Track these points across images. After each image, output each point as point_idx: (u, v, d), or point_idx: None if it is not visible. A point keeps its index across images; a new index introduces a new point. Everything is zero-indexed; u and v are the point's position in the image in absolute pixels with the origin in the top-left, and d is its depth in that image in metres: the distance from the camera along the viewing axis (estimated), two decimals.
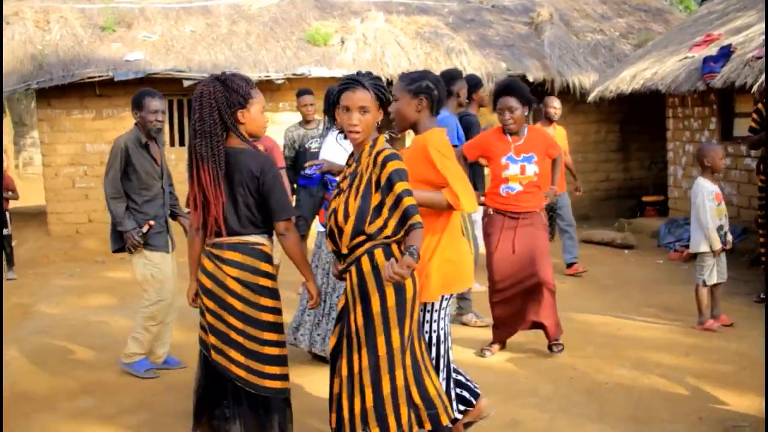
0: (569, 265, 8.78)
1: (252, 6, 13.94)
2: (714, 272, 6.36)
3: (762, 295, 7.16)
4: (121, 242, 5.56)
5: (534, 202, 5.75)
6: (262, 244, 3.76)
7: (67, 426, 4.84)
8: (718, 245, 6.26)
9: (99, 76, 11.41)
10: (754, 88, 8.55)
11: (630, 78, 11.49)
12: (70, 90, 11.63)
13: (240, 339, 3.70)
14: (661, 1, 17.17)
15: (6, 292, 8.75)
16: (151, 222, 5.57)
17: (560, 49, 13.56)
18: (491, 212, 5.81)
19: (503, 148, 5.70)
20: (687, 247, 8.95)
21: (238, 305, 3.69)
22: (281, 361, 3.78)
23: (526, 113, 5.66)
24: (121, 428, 4.76)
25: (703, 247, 6.30)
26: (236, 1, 14.07)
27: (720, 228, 6.28)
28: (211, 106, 3.63)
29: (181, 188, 5.51)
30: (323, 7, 14.28)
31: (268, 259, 3.77)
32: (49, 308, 8.09)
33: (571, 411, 4.78)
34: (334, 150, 4.94)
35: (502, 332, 5.95)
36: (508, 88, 5.65)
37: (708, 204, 6.23)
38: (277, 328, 3.77)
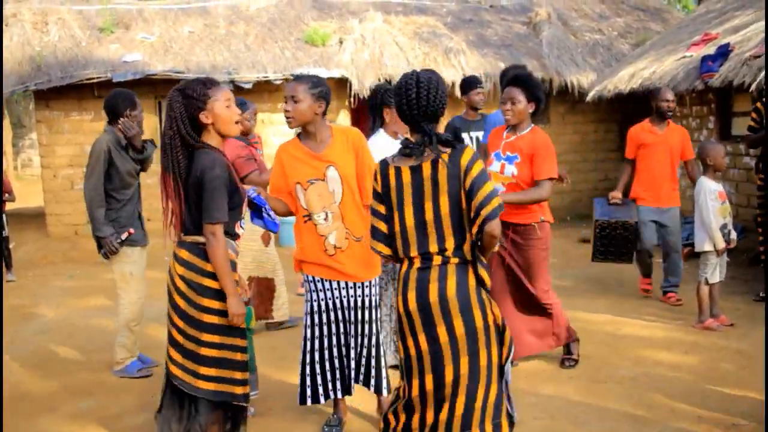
0: (665, 293, 7.42)
1: (250, 7, 13.96)
2: (716, 271, 6.37)
3: (761, 294, 7.16)
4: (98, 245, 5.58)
5: (524, 211, 5.21)
6: None
7: (68, 428, 4.84)
8: (721, 244, 6.26)
9: (97, 78, 11.43)
10: (753, 87, 8.56)
11: (628, 77, 11.51)
12: (69, 91, 11.64)
13: (180, 338, 3.74)
14: (659, 1, 17.19)
15: (5, 293, 8.76)
16: (131, 230, 5.58)
17: (558, 48, 13.59)
18: None
19: (497, 142, 5.37)
20: (686, 246, 8.96)
21: (181, 303, 3.72)
22: (220, 363, 3.73)
23: (531, 110, 5.21)
24: (121, 430, 4.76)
25: (707, 246, 6.30)
26: (234, 2, 14.09)
27: (724, 227, 6.27)
28: (170, 118, 3.68)
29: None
30: (321, 8, 14.29)
31: None
32: (49, 309, 8.09)
33: (571, 410, 4.79)
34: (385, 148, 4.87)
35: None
36: (516, 79, 5.27)
37: (711, 203, 6.23)
38: (219, 329, 3.72)
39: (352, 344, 4.38)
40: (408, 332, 3.40)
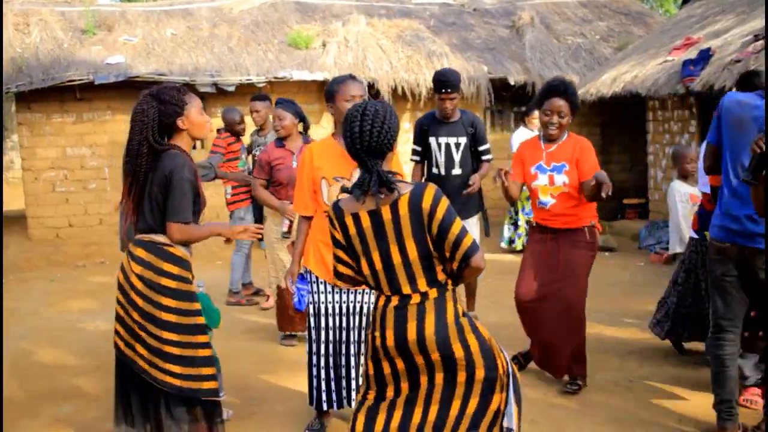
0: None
1: (233, 9, 13.93)
2: None
3: None
4: None
5: (575, 217, 5.15)
6: (170, 245, 3.85)
7: None
8: None
9: (79, 80, 11.35)
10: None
11: (611, 81, 11.57)
12: (51, 93, 11.56)
13: (143, 335, 3.82)
14: (641, 5, 17.31)
15: None
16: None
17: (541, 52, 13.64)
18: (534, 224, 5.38)
19: (535, 155, 5.22)
20: (667, 249, 9.02)
21: (140, 302, 3.80)
22: (183, 360, 3.82)
23: (569, 122, 5.16)
24: None
25: (679, 248, 6.33)
26: (217, 4, 14.06)
27: None
28: (143, 123, 3.77)
29: None
30: (305, 11, 14.29)
31: (173, 259, 3.84)
32: (31, 313, 8.04)
33: (552, 414, 4.81)
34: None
35: (532, 349, 5.49)
36: (564, 90, 5.12)
37: (680, 205, 6.27)
38: (179, 328, 3.82)
39: (353, 351, 4.41)
40: (383, 358, 3.23)
